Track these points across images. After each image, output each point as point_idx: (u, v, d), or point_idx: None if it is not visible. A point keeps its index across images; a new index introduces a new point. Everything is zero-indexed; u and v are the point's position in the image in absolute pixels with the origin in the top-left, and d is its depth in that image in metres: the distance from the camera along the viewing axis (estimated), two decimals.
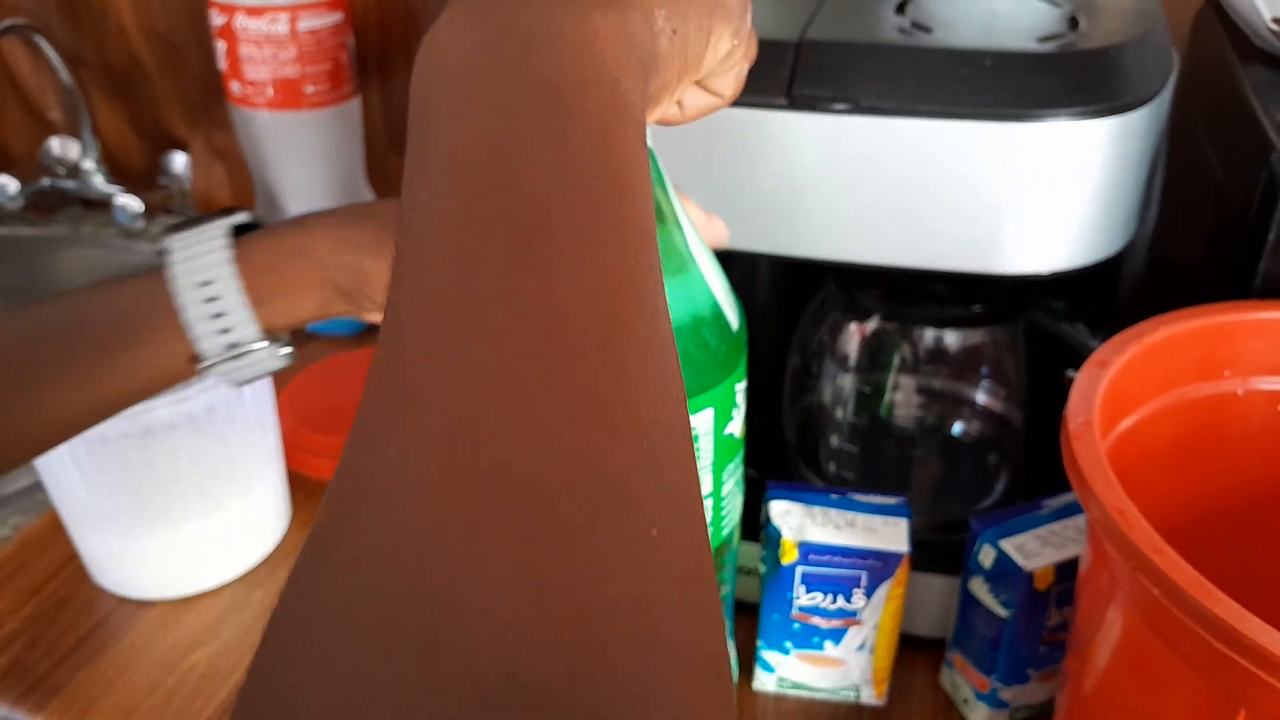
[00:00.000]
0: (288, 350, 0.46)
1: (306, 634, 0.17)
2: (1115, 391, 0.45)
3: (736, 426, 0.46)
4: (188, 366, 0.44)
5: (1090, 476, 0.39)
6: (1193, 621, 0.34)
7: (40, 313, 0.45)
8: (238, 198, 1.13)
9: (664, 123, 0.38)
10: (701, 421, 0.44)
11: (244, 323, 0.43)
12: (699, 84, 0.37)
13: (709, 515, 0.47)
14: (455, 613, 0.16)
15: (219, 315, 0.43)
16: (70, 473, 0.60)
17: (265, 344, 0.44)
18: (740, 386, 0.45)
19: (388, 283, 0.39)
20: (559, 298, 0.21)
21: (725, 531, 0.48)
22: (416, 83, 0.27)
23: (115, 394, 0.45)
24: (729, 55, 0.35)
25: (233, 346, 0.43)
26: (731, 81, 0.38)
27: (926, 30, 0.52)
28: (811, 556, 0.53)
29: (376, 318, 0.45)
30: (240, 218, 0.45)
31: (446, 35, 0.28)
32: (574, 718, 0.16)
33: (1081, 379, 0.44)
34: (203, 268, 0.43)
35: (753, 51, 0.37)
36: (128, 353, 0.43)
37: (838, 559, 0.53)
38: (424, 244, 0.23)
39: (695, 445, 0.44)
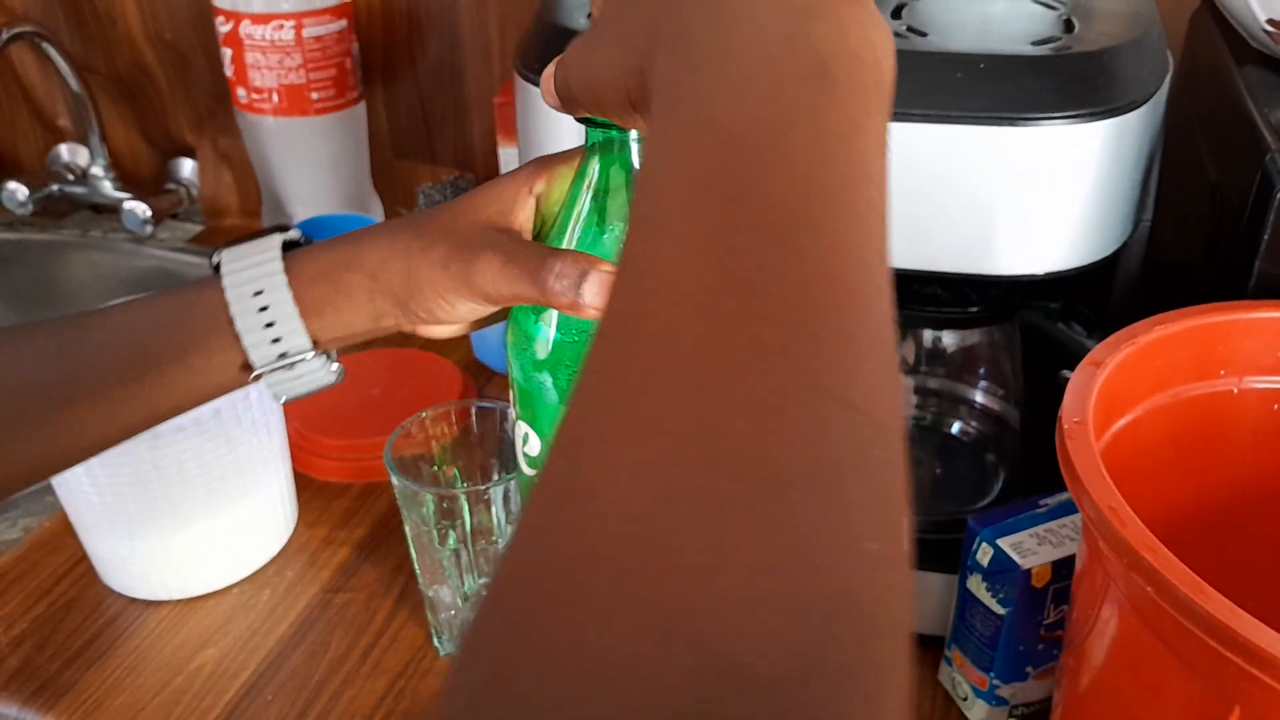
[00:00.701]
0: (338, 366, 0.46)
1: (554, 593, 0.18)
2: (1110, 391, 0.46)
3: None
4: (240, 375, 0.45)
5: (1084, 475, 0.40)
6: (1186, 619, 0.35)
7: (96, 323, 0.46)
8: (245, 203, 1.13)
9: None
10: None
11: (295, 332, 0.43)
12: None
13: None
14: (688, 594, 0.17)
15: (270, 325, 0.43)
16: (79, 475, 0.61)
17: (315, 355, 0.44)
18: None
19: (438, 291, 0.41)
20: (813, 297, 0.21)
21: None
22: (680, 27, 0.27)
23: (169, 402, 0.45)
24: None
25: (284, 356, 0.44)
26: None
27: (922, 34, 0.52)
28: None
29: (426, 331, 0.46)
30: (293, 234, 0.46)
31: None
32: (794, 715, 0.16)
33: (1076, 379, 0.45)
34: (255, 278, 0.43)
35: None
36: (183, 362, 0.44)
37: None
38: (672, 216, 0.23)
39: None
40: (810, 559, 0.18)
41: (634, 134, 0.41)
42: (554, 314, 0.42)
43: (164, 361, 0.44)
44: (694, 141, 0.24)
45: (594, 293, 0.38)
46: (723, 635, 0.16)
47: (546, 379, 0.43)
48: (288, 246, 0.45)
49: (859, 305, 0.22)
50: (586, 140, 0.41)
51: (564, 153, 0.44)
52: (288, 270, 0.44)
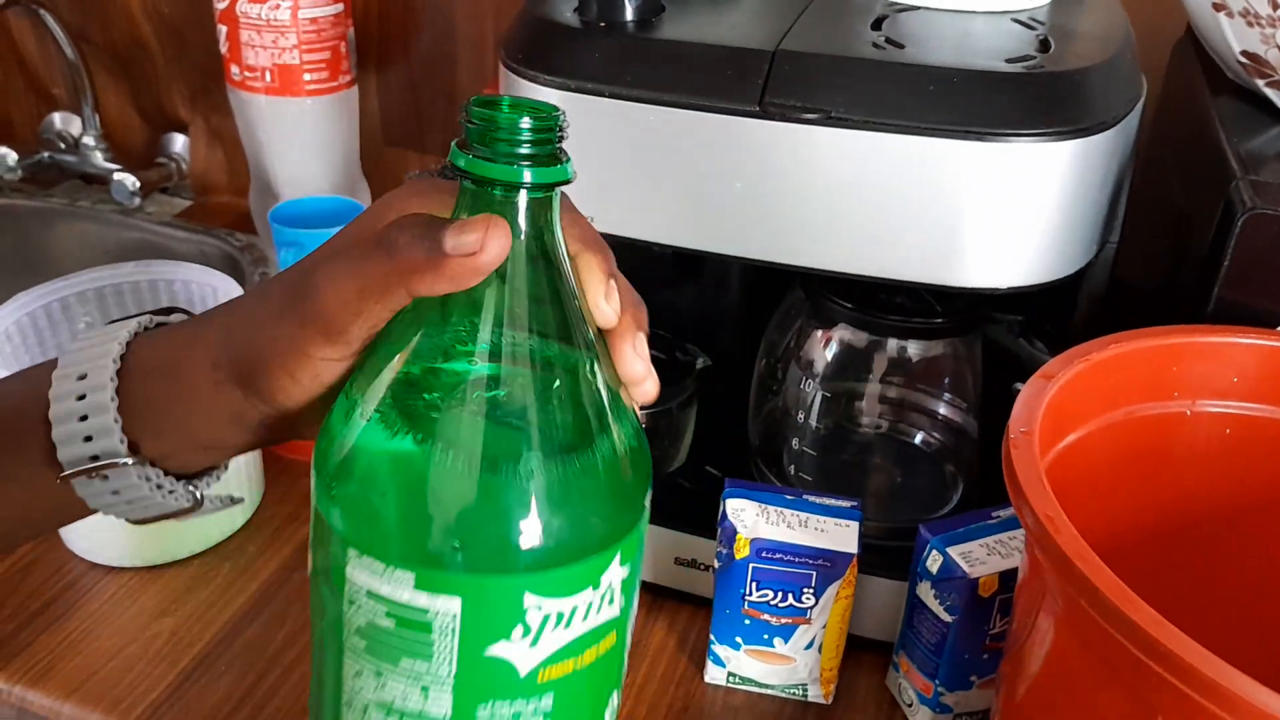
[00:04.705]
0: (208, 494, 0.38)
1: None
2: (1061, 405, 0.46)
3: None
4: (63, 489, 0.35)
5: (1025, 483, 0.40)
6: (1112, 626, 0.35)
7: None
8: (234, 181, 1.14)
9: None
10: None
11: (107, 431, 0.34)
12: None
13: None
14: None
15: (84, 418, 0.34)
16: None
17: (136, 465, 0.35)
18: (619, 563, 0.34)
19: (277, 350, 0.33)
20: None
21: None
22: None
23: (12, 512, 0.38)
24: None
25: (95, 459, 0.34)
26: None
27: (899, 46, 0.53)
28: (763, 554, 0.54)
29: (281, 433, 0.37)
30: (177, 319, 0.38)
31: None
32: None
33: (1027, 390, 0.45)
34: (84, 360, 0.35)
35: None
36: (6, 459, 0.36)
37: (789, 557, 0.54)
38: None
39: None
40: None
41: (522, 196, 0.31)
42: (369, 406, 0.32)
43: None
44: None
45: (454, 241, 0.30)
46: None
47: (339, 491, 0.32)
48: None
49: None
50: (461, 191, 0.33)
51: (449, 183, 0.34)
52: (130, 355, 0.35)
